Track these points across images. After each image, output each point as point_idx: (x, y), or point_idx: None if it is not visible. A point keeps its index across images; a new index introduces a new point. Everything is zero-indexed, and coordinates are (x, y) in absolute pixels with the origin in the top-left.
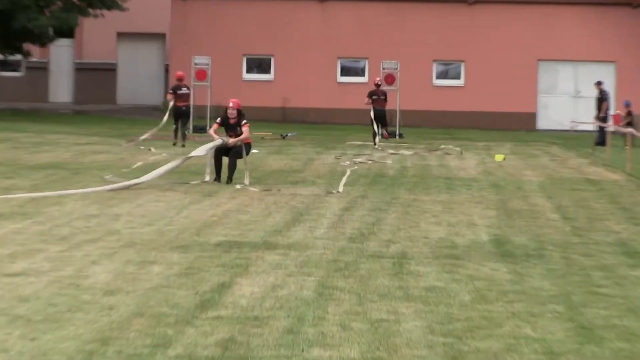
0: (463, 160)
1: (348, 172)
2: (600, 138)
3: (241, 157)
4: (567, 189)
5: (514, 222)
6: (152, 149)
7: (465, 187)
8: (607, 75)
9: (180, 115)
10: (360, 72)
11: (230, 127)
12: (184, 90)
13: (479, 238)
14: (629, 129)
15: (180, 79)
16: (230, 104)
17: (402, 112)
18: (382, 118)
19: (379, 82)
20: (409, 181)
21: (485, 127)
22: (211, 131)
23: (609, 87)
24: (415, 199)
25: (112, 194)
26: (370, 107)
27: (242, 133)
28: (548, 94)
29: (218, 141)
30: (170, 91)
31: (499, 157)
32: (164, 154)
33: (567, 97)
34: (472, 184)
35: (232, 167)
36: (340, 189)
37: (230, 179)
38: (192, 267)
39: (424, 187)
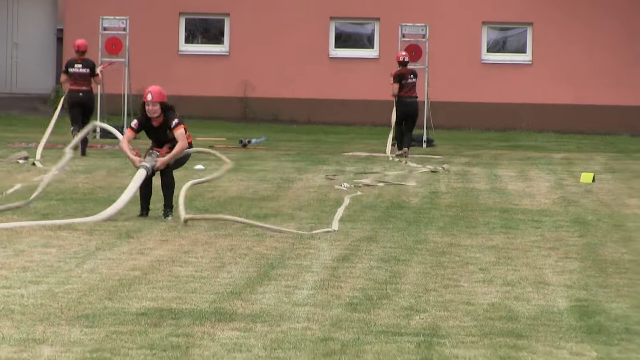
0: (529, 182)
1: (347, 201)
2: None
3: (182, 164)
4: None
5: (609, 280)
6: (37, 164)
7: (532, 225)
8: None
9: (76, 105)
10: (366, 42)
11: (154, 131)
12: (79, 68)
13: (553, 305)
14: None
15: (79, 51)
16: (149, 96)
17: (433, 104)
18: (413, 116)
19: (406, 58)
20: (442, 215)
21: (566, 129)
22: (123, 144)
23: None
24: (453, 244)
25: None
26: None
27: (173, 142)
28: None
29: (139, 174)
30: (64, 69)
31: (586, 177)
32: (54, 171)
33: None
34: (543, 220)
35: (170, 185)
36: (335, 225)
37: (169, 208)
38: (102, 348)
39: (467, 225)
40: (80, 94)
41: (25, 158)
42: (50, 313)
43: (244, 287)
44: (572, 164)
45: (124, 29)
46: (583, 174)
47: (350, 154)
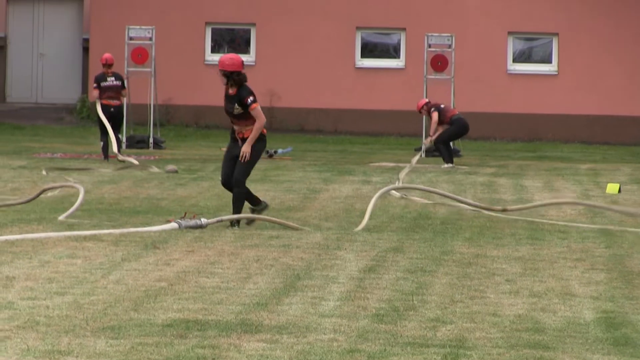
0: (555, 192)
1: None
2: None
3: (252, 165)
4: None
5: (636, 292)
6: (70, 178)
7: (558, 236)
8: None
9: (108, 119)
10: (392, 52)
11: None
12: (112, 81)
13: (580, 316)
14: None
15: (108, 64)
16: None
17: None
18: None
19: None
20: (469, 225)
21: (592, 139)
22: None
23: None
24: (479, 255)
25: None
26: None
27: (248, 121)
28: None
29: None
30: (95, 84)
31: (612, 188)
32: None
33: None
34: (570, 231)
35: (239, 197)
36: (366, 219)
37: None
38: None
39: (494, 236)
40: (112, 109)
41: (175, 171)
42: (75, 324)
43: (270, 298)
44: (598, 174)
45: (150, 39)
46: (609, 185)
47: (377, 164)
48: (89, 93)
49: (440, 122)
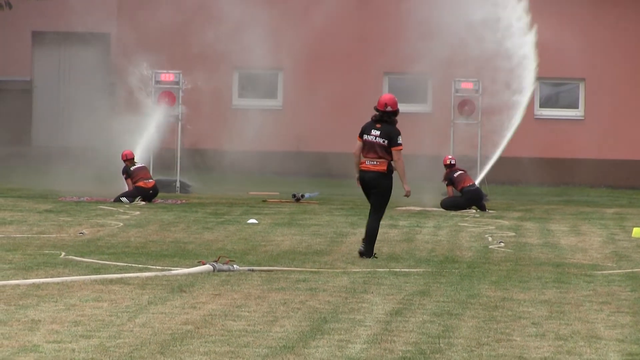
0: (581, 236)
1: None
2: None
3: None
4: None
5: None
6: (84, 232)
7: (584, 279)
8: None
9: (149, 199)
10: (419, 96)
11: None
12: (138, 163)
13: (605, 358)
14: None
15: (129, 159)
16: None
17: (486, 159)
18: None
19: (452, 161)
20: (496, 269)
21: (618, 183)
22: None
23: None
24: (506, 298)
25: (25, 288)
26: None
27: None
28: None
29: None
30: (124, 174)
31: (638, 232)
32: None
33: None
34: (596, 274)
35: (372, 230)
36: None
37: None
38: None
39: (520, 279)
40: (151, 191)
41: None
42: None
43: (297, 341)
44: (624, 218)
45: (177, 83)
46: (635, 229)
47: (404, 208)
48: (126, 185)
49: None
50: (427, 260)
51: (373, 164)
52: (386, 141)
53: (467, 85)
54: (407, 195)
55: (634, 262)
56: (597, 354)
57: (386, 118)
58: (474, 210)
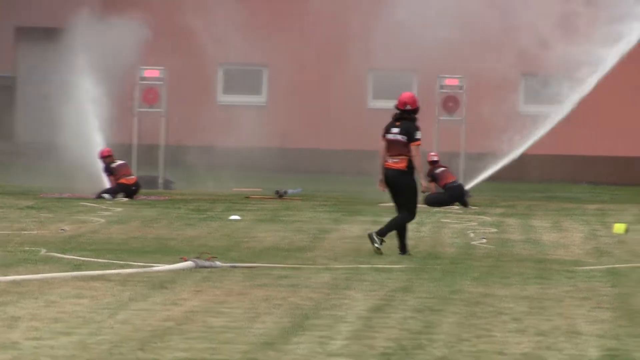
0: (563, 232)
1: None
2: None
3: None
4: None
5: None
6: (65, 229)
7: (565, 275)
8: None
9: (131, 195)
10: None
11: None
12: (120, 161)
13: (585, 354)
14: None
15: (108, 156)
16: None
17: (469, 156)
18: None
19: (435, 158)
20: (477, 265)
21: (600, 180)
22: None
23: None
24: (487, 294)
25: (5, 285)
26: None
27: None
28: None
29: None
30: (106, 172)
31: (619, 228)
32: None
33: None
34: (576, 270)
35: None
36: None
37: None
38: None
39: (502, 275)
40: (133, 187)
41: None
42: None
43: (278, 337)
44: (605, 214)
45: (161, 80)
46: (616, 225)
47: (387, 204)
48: (109, 183)
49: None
50: (410, 257)
51: (394, 162)
52: (405, 137)
53: (452, 81)
54: (424, 191)
55: (615, 257)
56: (577, 350)
57: (406, 116)
58: (457, 207)
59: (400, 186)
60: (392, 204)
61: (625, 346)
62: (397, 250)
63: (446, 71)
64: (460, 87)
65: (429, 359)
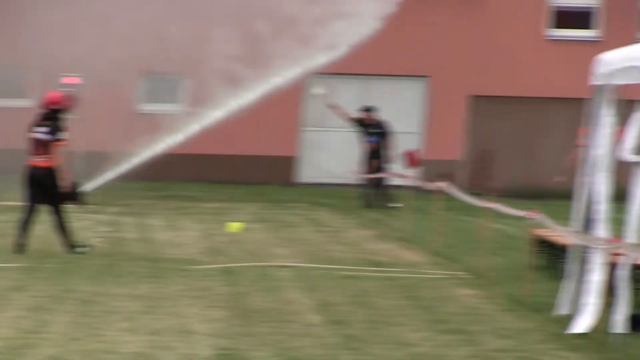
0: (178, 231)
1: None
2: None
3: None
4: (339, 277)
5: (254, 329)
6: None
7: (179, 274)
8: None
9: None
10: (18, 91)
11: None
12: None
13: (198, 354)
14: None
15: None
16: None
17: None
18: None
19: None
20: (92, 264)
21: (219, 178)
22: None
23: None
24: (100, 292)
25: None
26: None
27: None
28: (318, 128)
29: None
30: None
31: (234, 227)
32: None
33: (343, 133)
34: (191, 269)
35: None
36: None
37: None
38: None
39: (116, 274)
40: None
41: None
42: None
43: None
44: (222, 213)
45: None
46: (230, 224)
47: (3, 203)
48: None
49: None
50: (24, 255)
51: (41, 160)
52: (50, 136)
53: (72, 80)
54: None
55: (229, 257)
56: (190, 348)
57: (52, 115)
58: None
59: (46, 184)
60: (8, 202)
61: (238, 345)
62: (12, 249)
63: (68, 70)
64: (81, 86)
65: (40, 359)
